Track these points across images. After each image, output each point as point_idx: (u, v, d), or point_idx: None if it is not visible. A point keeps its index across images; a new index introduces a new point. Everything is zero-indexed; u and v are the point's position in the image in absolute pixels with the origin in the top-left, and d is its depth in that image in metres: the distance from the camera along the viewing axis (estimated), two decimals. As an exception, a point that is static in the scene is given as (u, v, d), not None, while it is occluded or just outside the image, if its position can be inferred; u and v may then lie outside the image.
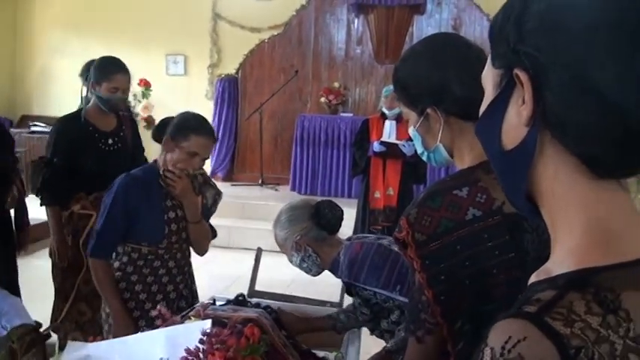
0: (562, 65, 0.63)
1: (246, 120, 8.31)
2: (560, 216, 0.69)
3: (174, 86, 8.81)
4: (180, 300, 2.56)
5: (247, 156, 8.58)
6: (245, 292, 2.59)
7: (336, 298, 2.91)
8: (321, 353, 2.08)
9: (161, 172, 2.42)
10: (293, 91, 8.58)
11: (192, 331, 1.50)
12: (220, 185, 8.28)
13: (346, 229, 6.22)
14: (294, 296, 2.86)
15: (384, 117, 5.96)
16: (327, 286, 3.21)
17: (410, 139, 5.77)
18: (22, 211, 3.32)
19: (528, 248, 1.18)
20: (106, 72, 3.14)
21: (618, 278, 0.62)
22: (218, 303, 2.08)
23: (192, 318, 1.64)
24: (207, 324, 1.46)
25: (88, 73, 3.20)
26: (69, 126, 3.22)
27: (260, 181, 8.07)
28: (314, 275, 2.25)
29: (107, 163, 3.17)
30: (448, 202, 1.19)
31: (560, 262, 0.67)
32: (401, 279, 1.91)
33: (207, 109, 8.37)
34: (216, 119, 8.53)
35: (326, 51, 8.66)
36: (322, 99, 8.31)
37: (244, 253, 5.62)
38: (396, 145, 5.72)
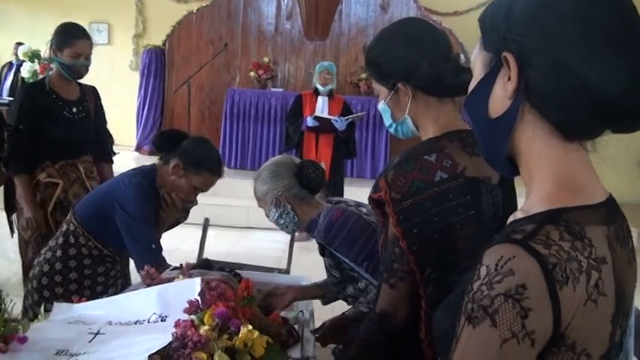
0: (542, 49, 0.81)
1: (174, 93, 8.17)
2: (536, 170, 0.87)
3: (97, 55, 8.47)
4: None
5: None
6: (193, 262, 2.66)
7: (283, 266, 3.03)
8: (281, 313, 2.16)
9: (161, 192, 2.39)
10: (221, 64, 8.51)
11: (182, 288, 1.56)
12: (147, 159, 8.14)
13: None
14: (243, 264, 2.93)
15: (316, 93, 6.07)
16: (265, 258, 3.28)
17: (342, 115, 5.95)
18: None
19: (485, 208, 1.39)
20: (67, 38, 3.09)
21: (583, 216, 0.81)
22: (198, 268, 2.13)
23: (180, 277, 1.71)
24: (197, 281, 1.53)
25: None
26: (33, 93, 3.14)
27: (188, 156, 7.99)
28: (289, 232, 2.27)
29: (72, 132, 3.12)
30: (419, 165, 1.36)
31: (535, 204, 0.85)
32: (370, 257, 1.98)
33: (131, 81, 8.21)
34: (142, 91, 8.35)
35: (255, 25, 8.63)
36: (251, 73, 8.29)
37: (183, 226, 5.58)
38: (329, 120, 5.85)
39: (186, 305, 1.45)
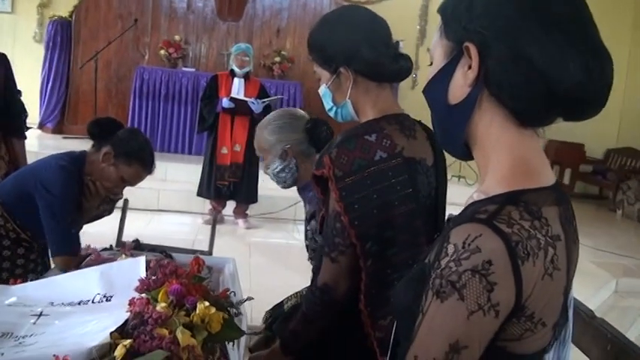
0: (502, 41, 0.87)
1: (80, 68, 7.80)
2: (492, 154, 0.93)
3: (-1, 24, 8.00)
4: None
5: (80, 107, 8.05)
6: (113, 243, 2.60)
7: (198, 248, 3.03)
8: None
9: (85, 180, 2.28)
10: (130, 40, 8.21)
11: (126, 268, 1.54)
12: (50, 137, 7.75)
13: (191, 186, 6.27)
14: (165, 246, 2.90)
15: (232, 74, 6.01)
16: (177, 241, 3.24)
17: (258, 97, 5.94)
18: None
19: (420, 187, 1.49)
20: None
21: (539, 197, 0.88)
22: (115, 248, 2.10)
23: (123, 256, 1.67)
24: (141, 260, 1.51)
25: None
26: None
27: (94, 134, 7.67)
28: (284, 187, 2.16)
29: None
30: (361, 145, 1.44)
31: (494, 186, 0.91)
32: None
33: (35, 53, 7.77)
34: (47, 65, 7.88)
35: (167, 1, 8.35)
36: (162, 51, 8.03)
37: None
38: (245, 102, 5.81)
39: (133, 284, 1.43)
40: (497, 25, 0.87)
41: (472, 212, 0.88)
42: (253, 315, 2.73)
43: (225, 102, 5.80)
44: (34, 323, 1.37)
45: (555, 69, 0.85)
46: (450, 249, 0.84)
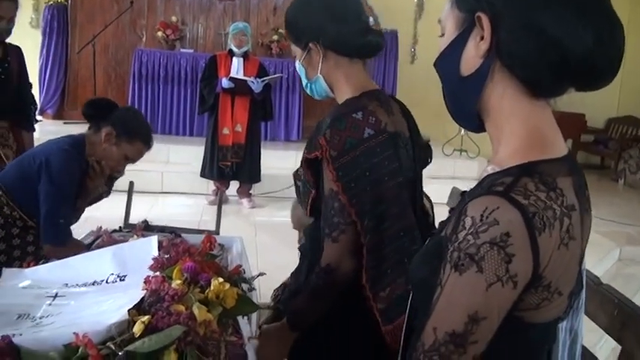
0: (514, 10, 0.87)
1: (78, 53, 7.76)
2: (506, 125, 0.93)
3: (-8, 12, 7.94)
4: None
5: (79, 92, 8.00)
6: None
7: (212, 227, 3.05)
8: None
9: (89, 161, 2.32)
10: (127, 23, 8.15)
11: (138, 248, 1.56)
12: (51, 123, 7.72)
13: (194, 167, 6.27)
14: (173, 227, 2.92)
15: (231, 54, 5.98)
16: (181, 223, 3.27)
17: (257, 76, 5.92)
18: None
19: (403, 160, 1.53)
20: None
21: (554, 168, 0.88)
22: (124, 230, 2.12)
23: (135, 237, 1.69)
24: (153, 240, 1.52)
25: None
26: None
27: (94, 119, 7.63)
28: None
29: None
30: (350, 124, 1.47)
31: (508, 158, 0.91)
32: None
33: (33, 39, 7.70)
34: (44, 51, 7.83)
35: (162, -18, 8.31)
36: (159, 33, 7.98)
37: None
38: (245, 81, 5.80)
39: (145, 264, 1.46)
40: None
41: (488, 185, 0.88)
42: (262, 292, 2.76)
43: (224, 82, 5.79)
44: (50, 304, 1.39)
45: (568, 37, 0.85)
46: (468, 222, 0.85)
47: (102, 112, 2.34)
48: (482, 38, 0.91)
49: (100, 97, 2.50)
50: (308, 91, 1.71)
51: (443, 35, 1.00)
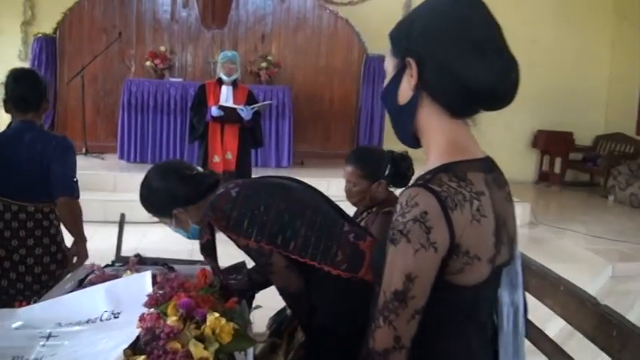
0: (433, 56, 1.16)
1: (67, 84, 7.75)
2: (432, 139, 1.22)
3: (-17, 45, 7.93)
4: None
5: (68, 123, 7.99)
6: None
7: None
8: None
9: None
10: (115, 53, 8.19)
11: (131, 284, 1.54)
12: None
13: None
14: (166, 258, 2.89)
15: (220, 82, 6.00)
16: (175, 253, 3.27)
17: (247, 104, 5.92)
18: None
19: None
20: None
21: (465, 166, 1.16)
22: (116, 264, 2.10)
23: (128, 272, 1.67)
24: (147, 275, 1.51)
25: None
26: None
27: (84, 150, 7.56)
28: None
29: None
30: None
31: (433, 162, 1.19)
32: None
33: (21, 72, 7.70)
34: (33, 83, 7.86)
35: (150, 12, 8.34)
36: (147, 63, 8.01)
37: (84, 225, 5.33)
38: (234, 109, 5.80)
39: (140, 300, 1.44)
40: (430, 45, 1.16)
41: (415, 181, 1.17)
42: (256, 321, 2.73)
43: (214, 110, 5.79)
44: (44, 345, 1.37)
45: (474, 75, 1.13)
46: (398, 207, 1.13)
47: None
48: (412, 76, 1.18)
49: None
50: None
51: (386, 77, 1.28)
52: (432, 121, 1.20)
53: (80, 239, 2.90)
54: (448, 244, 1.09)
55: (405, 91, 1.21)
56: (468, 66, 1.13)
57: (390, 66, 1.26)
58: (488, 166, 1.22)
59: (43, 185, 2.67)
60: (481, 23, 1.16)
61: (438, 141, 1.20)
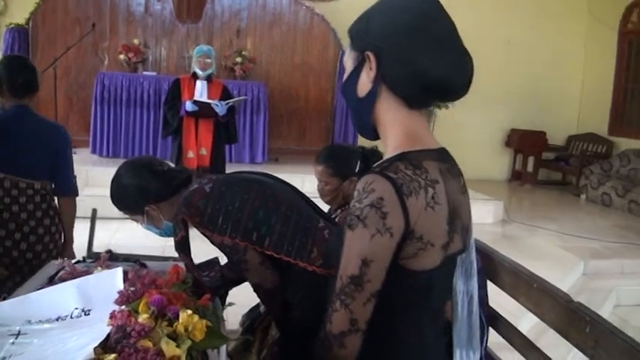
0: (391, 49, 1.19)
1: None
2: (390, 130, 1.26)
3: (-48, 36, 7.72)
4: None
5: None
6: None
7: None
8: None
9: None
10: (89, 46, 8.06)
11: (103, 280, 1.51)
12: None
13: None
14: (138, 254, 2.86)
15: (195, 77, 5.94)
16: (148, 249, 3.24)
17: (221, 99, 5.88)
18: None
19: None
20: None
21: (420, 154, 1.20)
22: (88, 260, 2.06)
23: (99, 269, 1.64)
24: (118, 272, 1.48)
25: None
26: None
27: (55, 143, 7.47)
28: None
29: None
30: None
31: (390, 152, 1.23)
32: None
33: (-9, 63, 7.55)
34: (4, 75, 7.69)
35: (124, 5, 8.22)
36: (121, 56, 7.92)
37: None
38: (209, 104, 5.74)
39: (111, 296, 1.41)
40: (388, 38, 1.19)
41: (372, 169, 1.20)
42: (229, 318, 2.71)
43: (188, 105, 5.73)
44: (13, 343, 1.32)
45: (430, 68, 1.17)
46: (355, 194, 1.16)
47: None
48: (370, 69, 1.22)
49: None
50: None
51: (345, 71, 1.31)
52: (390, 112, 1.24)
53: (71, 240, 2.98)
54: (403, 229, 1.12)
55: (364, 84, 1.24)
56: (425, 59, 1.16)
57: (349, 60, 1.29)
58: (443, 156, 1.26)
59: (46, 166, 2.80)
60: (438, 18, 1.20)
61: (395, 132, 1.24)
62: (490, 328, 1.96)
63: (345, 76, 1.30)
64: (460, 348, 1.38)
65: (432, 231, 1.16)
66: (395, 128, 1.24)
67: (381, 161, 1.22)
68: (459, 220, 1.25)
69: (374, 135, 1.31)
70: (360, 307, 1.15)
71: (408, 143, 1.22)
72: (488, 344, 2.02)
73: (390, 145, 1.25)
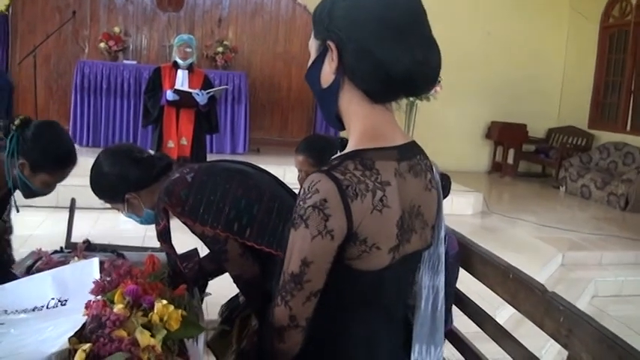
0: (352, 39, 1.14)
1: (19, 64, 7.49)
2: (352, 124, 1.22)
3: None
4: None
5: (19, 105, 7.68)
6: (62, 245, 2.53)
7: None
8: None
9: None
10: (69, 34, 7.97)
11: (79, 270, 1.50)
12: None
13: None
14: (116, 245, 2.84)
15: (176, 66, 5.89)
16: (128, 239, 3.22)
17: (202, 88, 5.84)
18: None
19: None
20: None
21: (375, 154, 1.16)
22: (66, 250, 2.04)
23: (75, 259, 1.63)
24: (94, 262, 1.47)
25: None
26: None
27: (34, 132, 7.38)
28: None
29: None
30: None
31: (349, 147, 1.18)
32: None
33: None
34: (-17, 62, 7.58)
35: (105, -8, 8.15)
36: (101, 44, 7.83)
37: (34, 210, 5.19)
38: (190, 93, 5.70)
39: (87, 287, 1.40)
40: (349, 27, 1.14)
41: (323, 166, 1.16)
42: (209, 308, 2.71)
43: (169, 94, 5.69)
44: (-13, 333, 1.32)
45: (391, 60, 1.11)
46: (301, 192, 1.13)
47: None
48: (332, 59, 1.17)
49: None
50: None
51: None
52: (352, 105, 1.20)
53: None
54: (345, 232, 1.10)
55: (327, 74, 1.20)
56: (387, 51, 1.11)
57: (312, 48, 1.25)
58: (406, 153, 1.22)
59: None
60: (404, 9, 1.14)
61: (356, 126, 1.21)
62: (466, 317, 1.98)
63: (309, 63, 1.26)
64: (420, 343, 1.35)
65: (378, 234, 1.13)
66: (356, 123, 1.20)
67: (335, 156, 1.19)
68: (419, 218, 1.24)
69: (340, 125, 1.27)
70: (299, 304, 1.16)
71: (365, 140, 1.18)
72: (464, 334, 2.04)
73: (351, 140, 1.21)
